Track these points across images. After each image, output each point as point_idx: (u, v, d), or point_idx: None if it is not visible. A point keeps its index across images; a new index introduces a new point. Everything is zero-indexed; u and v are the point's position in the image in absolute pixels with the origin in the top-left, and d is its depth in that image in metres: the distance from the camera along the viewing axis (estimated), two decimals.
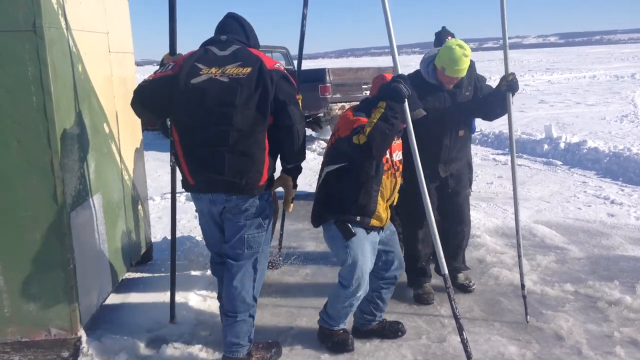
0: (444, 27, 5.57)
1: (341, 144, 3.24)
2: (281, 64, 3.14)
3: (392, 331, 3.66)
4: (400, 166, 3.45)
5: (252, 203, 3.11)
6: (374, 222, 3.37)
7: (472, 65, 4.02)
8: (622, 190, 7.24)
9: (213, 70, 3.01)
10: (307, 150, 12.30)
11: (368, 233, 3.37)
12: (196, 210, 3.37)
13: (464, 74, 3.84)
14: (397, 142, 3.41)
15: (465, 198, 4.30)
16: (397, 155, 3.41)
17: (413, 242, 4.22)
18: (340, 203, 3.31)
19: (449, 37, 5.55)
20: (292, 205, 3.37)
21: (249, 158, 3.02)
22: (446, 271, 3.27)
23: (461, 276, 4.36)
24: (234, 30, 3.22)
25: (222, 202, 3.12)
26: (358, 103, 3.45)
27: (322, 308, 3.59)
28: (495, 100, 3.83)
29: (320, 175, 3.44)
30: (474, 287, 4.33)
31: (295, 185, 3.29)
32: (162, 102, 3.09)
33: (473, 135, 4.81)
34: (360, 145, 3.06)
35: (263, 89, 2.98)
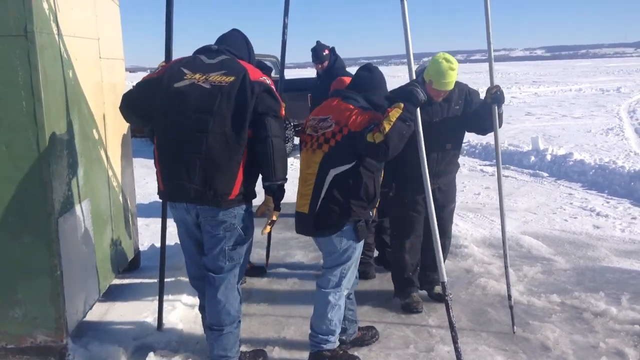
0: (318, 42, 5.67)
1: (353, 140, 3.14)
2: (267, 78, 3.09)
3: (370, 336, 3.73)
4: None
5: (230, 213, 3.05)
6: (374, 211, 3.40)
7: (462, 85, 4.07)
8: (608, 202, 7.32)
9: (197, 76, 3.00)
10: (294, 159, 12.32)
11: None
12: (174, 220, 3.30)
13: (451, 87, 3.86)
14: None
15: (450, 212, 4.32)
16: None
17: (400, 252, 4.23)
18: (360, 202, 3.22)
19: (326, 51, 5.67)
20: (269, 228, 3.21)
21: (219, 168, 2.95)
22: (445, 278, 3.29)
23: (437, 287, 4.35)
24: (230, 42, 3.22)
25: (195, 212, 3.09)
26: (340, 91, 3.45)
27: (310, 331, 3.42)
28: (484, 114, 3.85)
29: (319, 180, 3.24)
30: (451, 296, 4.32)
31: (276, 208, 3.15)
32: (148, 106, 3.09)
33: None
34: (377, 144, 3.02)
35: (243, 99, 2.95)
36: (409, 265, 4.24)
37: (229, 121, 2.94)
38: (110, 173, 4.06)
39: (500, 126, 3.87)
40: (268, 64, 12.86)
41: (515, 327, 3.83)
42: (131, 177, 4.66)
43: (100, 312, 3.98)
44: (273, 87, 3.10)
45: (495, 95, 3.72)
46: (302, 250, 5.61)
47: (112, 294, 4.24)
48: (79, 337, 3.55)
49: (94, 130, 3.76)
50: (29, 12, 2.89)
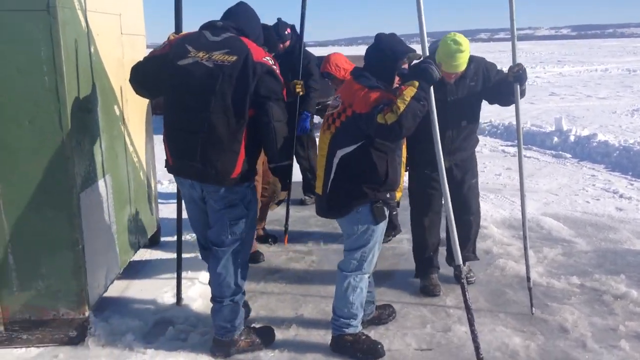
0: (279, 19, 5.52)
1: (359, 121, 3.04)
2: (270, 58, 3.08)
3: (388, 314, 3.73)
4: None
5: (232, 190, 3.10)
6: (398, 194, 3.30)
7: (478, 59, 3.99)
8: (632, 184, 7.20)
9: (201, 54, 3.00)
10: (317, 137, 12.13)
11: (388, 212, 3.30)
12: (182, 195, 3.38)
13: (460, 69, 3.79)
14: None
15: (471, 188, 4.23)
16: None
17: (419, 231, 4.21)
18: (372, 183, 3.14)
19: (287, 30, 5.52)
20: (275, 206, 3.29)
21: (221, 147, 2.99)
22: (460, 262, 3.24)
23: (464, 268, 4.29)
24: (236, 18, 3.18)
25: (200, 187, 3.14)
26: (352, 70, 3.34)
27: (332, 315, 3.39)
28: (506, 90, 3.78)
29: (328, 161, 3.21)
30: (473, 279, 4.30)
31: (284, 188, 3.23)
32: (154, 81, 3.13)
33: (482, 126, 4.75)
34: (389, 125, 2.90)
35: (244, 79, 2.94)
36: (430, 244, 4.22)
37: (230, 101, 2.95)
38: (131, 149, 4.09)
39: (521, 98, 3.81)
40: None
41: (533, 309, 3.81)
42: (152, 153, 4.70)
43: (121, 286, 4.05)
44: (276, 67, 3.09)
45: (517, 74, 3.65)
46: (320, 229, 5.61)
47: (133, 269, 4.30)
48: (100, 311, 3.61)
49: (115, 107, 3.78)
50: None
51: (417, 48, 3.29)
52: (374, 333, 3.55)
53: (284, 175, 3.16)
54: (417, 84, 2.98)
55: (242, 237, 3.23)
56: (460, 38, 3.73)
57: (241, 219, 3.18)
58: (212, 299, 3.31)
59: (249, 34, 3.15)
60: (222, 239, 3.19)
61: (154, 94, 3.28)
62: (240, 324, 3.33)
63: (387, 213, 3.23)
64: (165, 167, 3.26)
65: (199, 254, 3.69)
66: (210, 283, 3.36)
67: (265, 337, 3.45)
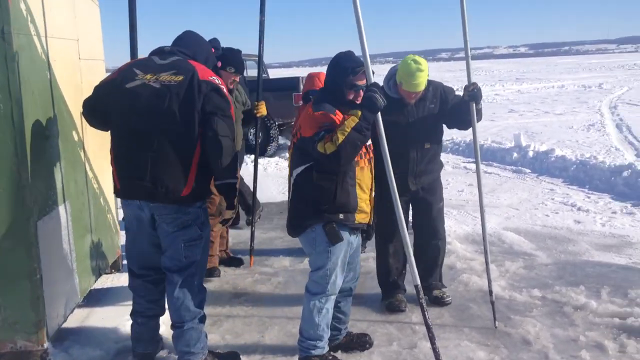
0: (214, 38, 5.70)
1: (305, 145, 3.11)
2: (217, 78, 3.16)
3: (360, 343, 3.62)
4: (370, 151, 3.31)
5: (184, 211, 3.11)
6: (359, 217, 3.23)
7: (436, 83, 4.10)
8: (589, 197, 7.40)
9: (148, 76, 3.07)
10: (279, 158, 12.26)
11: (352, 234, 3.27)
12: (123, 219, 3.34)
13: (420, 88, 3.88)
14: None
15: (439, 212, 4.28)
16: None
17: (384, 256, 4.24)
18: (320, 204, 3.14)
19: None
20: (219, 226, 3.23)
21: (170, 165, 3.01)
22: (418, 282, 3.23)
23: (436, 291, 4.30)
24: (184, 43, 3.29)
25: (149, 209, 3.13)
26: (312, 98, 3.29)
27: (299, 336, 3.37)
28: (463, 110, 3.88)
29: (289, 181, 3.33)
30: (449, 299, 4.26)
31: (229, 207, 3.18)
32: (104, 107, 3.18)
33: (444, 143, 4.83)
34: (328, 154, 2.95)
35: (190, 97, 3.01)
36: (394, 269, 4.25)
37: (178, 120, 3.00)
38: (90, 175, 4.04)
39: (479, 121, 3.91)
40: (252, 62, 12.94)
41: (497, 322, 3.87)
42: (111, 179, 4.62)
43: (82, 315, 3.96)
44: (223, 87, 3.15)
45: (472, 93, 3.75)
46: (286, 250, 5.61)
47: (94, 297, 4.22)
48: (59, 342, 3.51)
49: (74, 132, 3.73)
50: (6, 13, 2.85)
51: (379, 68, 3.34)
52: (340, 353, 3.55)
53: (229, 193, 3.15)
54: (359, 113, 2.97)
55: (197, 260, 3.23)
56: (420, 59, 3.85)
57: (195, 241, 3.19)
58: (172, 326, 3.28)
59: (197, 57, 3.25)
60: (178, 263, 3.18)
61: (105, 121, 3.26)
62: (204, 348, 3.30)
63: (342, 235, 3.17)
64: (114, 192, 3.27)
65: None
66: (168, 309, 3.32)
67: None
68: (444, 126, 4.22)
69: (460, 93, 3.96)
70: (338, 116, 3.08)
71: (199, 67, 3.12)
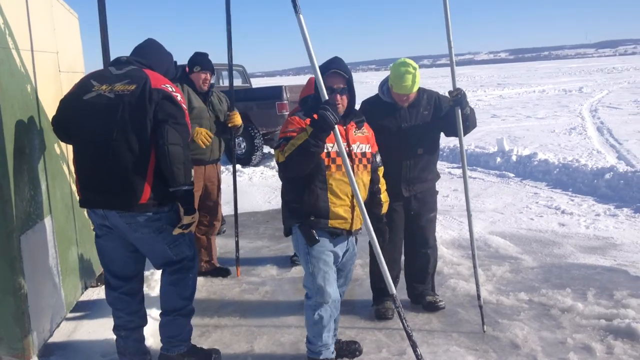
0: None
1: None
2: (170, 85, 3.18)
3: (350, 351, 3.61)
4: (364, 159, 3.31)
5: (154, 217, 3.13)
6: (334, 222, 3.20)
7: (431, 91, 4.11)
8: (572, 200, 7.47)
9: (104, 87, 3.12)
10: (264, 167, 12.18)
11: (334, 239, 3.25)
12: (93, 229, 3.35)
13: (409, 90, 3.89)
14: (360, 135, 3.33)
15: (429, 221, 4.25)
16: (359, 148, 3.30)
17: (375, 262, 4.24)
18: (294, 206, 3.26)
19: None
20: (178, 230, 3.19)
21: (126, 174, 3.03)
22: (394, 291, 3.24)
23: (429, 297, 4.29)
24: (142, 52, 3.35)
25: (120, 217, 3.13)
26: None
27: (286, 345, 3.48)
28: (453, 117, 3.86)
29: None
30: (442, 304, 4.24)
31: (186, 212, 3.16)
32: (65, 120, 3.22)
33: None
34: (279, 162, 3.12)
35: (142, 106, 3.03)
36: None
37: (132, 128, 3.03)
38: (73, 187, 3.99)
39: (473, 126, 3.97)
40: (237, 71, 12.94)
41: (485, 327, 3.88)
42: None
43: (68, 329, 3.91)
44: (176, 95, 3.16)
45: (456, 98, 3.77)
46: (273, 259, 5.59)
47: (80, 310, 4.16)
48: (46, 356, 3.47)
49: (56, 145, 3.69)
50: None
51: (361, 76, 3.35)
52: None
53: (184, 200, 3.14)
54: (310, 130, 2.98)
55: (188, 255, 3.35)
56: (409, 61, 3.89)
57: (177, 240, 3.26)
58: (161, 313, 3.41)
59: (155, 67, 3.29)
60: (167, 261, 3.30)
61: (68, 134, 3.26)
62: (187, 341, 3.43)
63: (317, 238, 3.18)
64: (79, 202, 3.28)
65: (147, 292, 3.62)
66: (160, 296, 3.43)
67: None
68: (442, 135, 4.18)
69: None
70: (301, 124, 3.14)
71: (152, 75, 3.15)
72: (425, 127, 4.06)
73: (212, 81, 5.04)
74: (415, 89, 3.92)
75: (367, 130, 3.43)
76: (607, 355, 3.52)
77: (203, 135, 4.71)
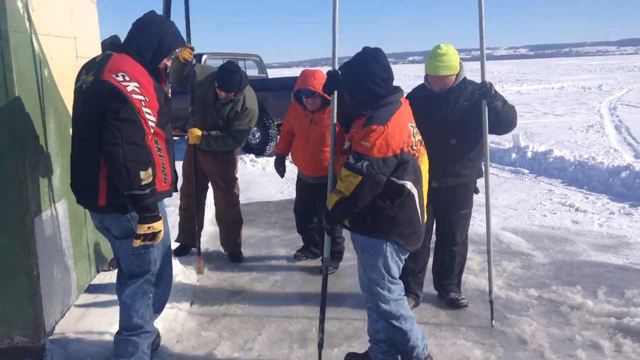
0: (115, 35, 4.81)
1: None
2: (119, 75, 2.76)
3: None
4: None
5: (120, 218, 2.94)
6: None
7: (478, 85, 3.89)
8: (587, 198, 7.41)
9: (84, 77, 2.94)
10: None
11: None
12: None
13: (438, 71, 3.79)
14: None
15: (459, 218, 4.11)
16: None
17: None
18: (390, 224, 2.98)
19: None
20: (137, 242, 2.83)
21: (84, 173, 2.93)
22: (327, 255, 3.31)
23: (453, 293, 4.24)
24: (128, 34, 3.02)
25: (93, 215, 3.09)
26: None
27: (292, 334, 3.43)
28: (492, 113, 3.81)
29: None
30: (465, 302, 4.19)
31: (144, 219, 2.78)
32: None
33: None
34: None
35: (92, 99, 2.80)
36: (409, 269, 4.05)
37: (87, 124, 2.83)
38: None
39: (509, 124, 3.99)
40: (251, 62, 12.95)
41: (493, 321, 3.88)
42: None
43: (79, 311, 3.96)
44: (125, 85, 2.73)
45: (481, 91, 3.75)
46: (284, 248, 5.61)
47: (93, 293, 4.22)
48: (57, 338, 3.52)
49: (70, 129, 3.73)
50: (2, 10, 2.86)
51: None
52: (335, 349, 3.55)
53: (136, 207, 2.79)
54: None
55: (151, 270, 3.09)
56: (444, 45, 3.84)
57: (143, 250, 3.01)
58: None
59: (125, 49, 2.92)
60: (130, 270, 3.08)
61: None
62: None
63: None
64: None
65: None
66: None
67: None
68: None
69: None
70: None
71: (112, 62, 2.81)
72: (462, 118, 3.89)
73: (193, 61, 4.75)
74: (445, 72, 3.80)
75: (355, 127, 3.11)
76: (615, 353, 3.51)
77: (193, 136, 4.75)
